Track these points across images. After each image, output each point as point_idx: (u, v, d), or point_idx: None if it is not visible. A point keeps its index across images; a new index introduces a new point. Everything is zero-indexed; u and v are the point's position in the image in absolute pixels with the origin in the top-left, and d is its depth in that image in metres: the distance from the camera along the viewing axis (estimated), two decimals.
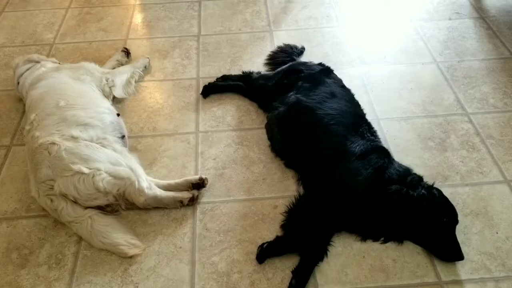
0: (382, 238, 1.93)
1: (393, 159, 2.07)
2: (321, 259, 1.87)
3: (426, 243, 1.89)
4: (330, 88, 2.31)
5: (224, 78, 2.69)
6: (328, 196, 1.95)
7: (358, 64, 2.84)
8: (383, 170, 1.97)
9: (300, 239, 1.90)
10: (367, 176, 1.95)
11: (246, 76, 2.65)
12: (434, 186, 1.95)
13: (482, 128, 2.41)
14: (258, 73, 2.67)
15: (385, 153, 2.07)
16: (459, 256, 1.82)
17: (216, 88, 2.66)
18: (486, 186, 2.13)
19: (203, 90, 2.65)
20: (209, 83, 2.67)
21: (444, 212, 1.88)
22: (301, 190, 2.11)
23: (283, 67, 2.58)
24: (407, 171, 2.01)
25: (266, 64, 2.82)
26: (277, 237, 1.93)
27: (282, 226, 1.97)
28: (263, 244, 1.89)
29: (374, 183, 1.93)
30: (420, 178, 1.99)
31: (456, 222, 1.89)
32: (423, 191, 1.89)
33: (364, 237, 1.94)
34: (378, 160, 2.00)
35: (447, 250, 1.84)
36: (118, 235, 1.91)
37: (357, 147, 2.02)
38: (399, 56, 2.90)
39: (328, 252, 1.89)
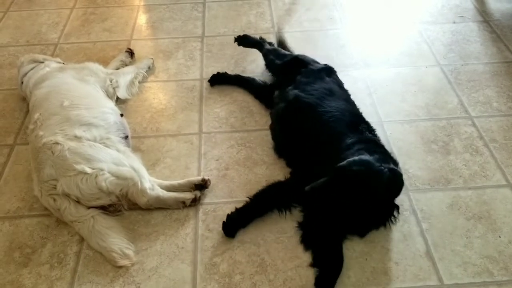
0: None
1: (387, 152, 2.02)
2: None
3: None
4: (328, 85, 2.31)
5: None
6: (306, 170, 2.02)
7: (362, 66, 2.84)
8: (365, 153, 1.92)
9: (266, 206, 2.00)
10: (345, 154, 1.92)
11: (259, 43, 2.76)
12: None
13: (485, 131, 2.40)
14: (271, 44, 2.79)
15: (378, 146, 2.03)
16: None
17: (225, 79, 2.69)
18: (489, 190, 2.13)
19: (211, 78, 2.69)
20: (218, 72, 2.70)
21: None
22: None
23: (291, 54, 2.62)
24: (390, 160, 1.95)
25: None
26: (245, 205, 2.00)
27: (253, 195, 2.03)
28: (228, 215, 1.95)
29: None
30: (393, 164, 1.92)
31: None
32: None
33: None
34: (367, 146, 1.96)
35: None
36: (115, 241, 1.89)
37: (350, 140, 2.00)
38: (402, 58, 2.89)
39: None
